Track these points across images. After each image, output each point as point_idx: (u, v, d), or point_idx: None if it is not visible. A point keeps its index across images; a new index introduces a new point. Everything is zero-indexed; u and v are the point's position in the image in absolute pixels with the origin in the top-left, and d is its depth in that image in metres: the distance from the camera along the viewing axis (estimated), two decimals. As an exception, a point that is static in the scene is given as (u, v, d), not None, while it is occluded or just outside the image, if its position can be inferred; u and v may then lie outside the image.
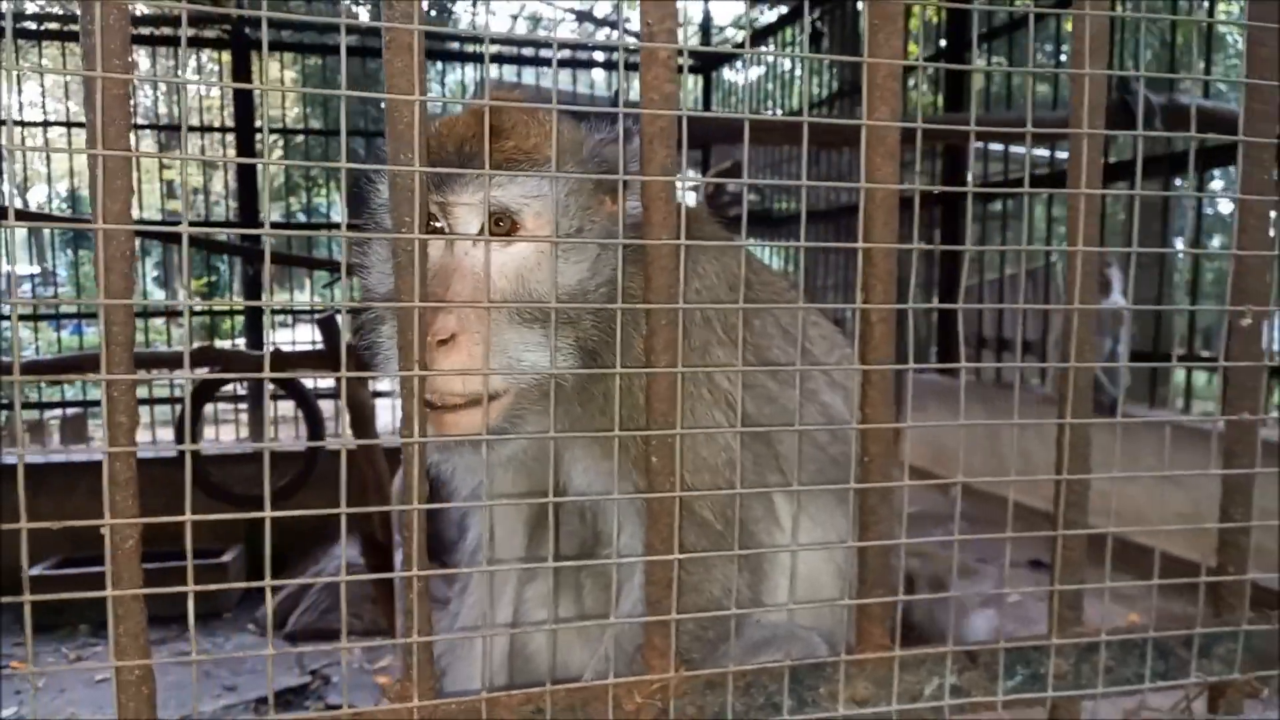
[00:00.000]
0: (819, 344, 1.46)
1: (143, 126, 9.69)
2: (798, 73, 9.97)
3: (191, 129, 9.31)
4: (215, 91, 8.92)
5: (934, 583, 2.20)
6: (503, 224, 1.18)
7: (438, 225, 1.18)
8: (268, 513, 0.92)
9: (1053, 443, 1.17)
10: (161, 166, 10.43)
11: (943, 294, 7.03)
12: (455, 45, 9.44)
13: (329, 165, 0.91)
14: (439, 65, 10.53)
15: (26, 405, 8.21)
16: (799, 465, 1.23)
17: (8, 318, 9.00)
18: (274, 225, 8.61)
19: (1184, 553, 3.37)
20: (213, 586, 1.20)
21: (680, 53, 1.00)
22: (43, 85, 8.98)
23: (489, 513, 1.37)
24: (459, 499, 1.42)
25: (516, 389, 1.17)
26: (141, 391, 8.79)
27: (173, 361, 6.80)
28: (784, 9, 9.76)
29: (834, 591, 1.30)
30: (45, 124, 9.24)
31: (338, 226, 0.90)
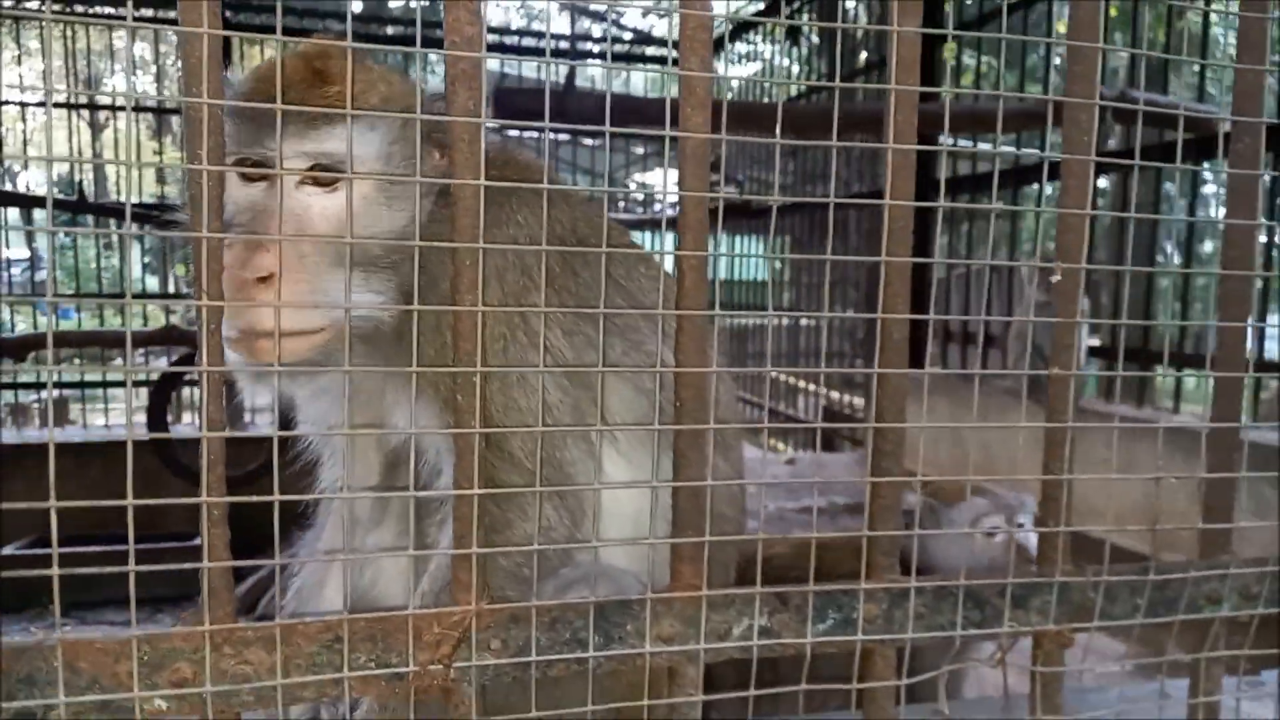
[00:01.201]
0: (651, 295, 1.48)
1: (142, 110, 9.70)
2: (788, 65, 10.00)
3: (175, 111, 9.34)
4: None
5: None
6: (327, 173, 1.21)
7: (261, 171, 1.21)
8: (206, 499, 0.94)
9: (1012, 433, 1.22)
10: (151, 152, 10.41)
11: (914, 289, 7.06)
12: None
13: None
14: (430, 58, 10.55)
15: (6, 386, 8.23)
16: (624, 413, 1.26)
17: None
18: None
19: (1134, 545, 3.41)
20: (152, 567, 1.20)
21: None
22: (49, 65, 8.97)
23: (342, 450, 1.41)
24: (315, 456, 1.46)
25: (335, 328, 1.20)
26: (114, 375, 8.80)
27: (142, 343, 6.83)
28: (763, 3, 9.77)
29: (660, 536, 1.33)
30: (47, 106, 9.21)
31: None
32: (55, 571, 0.94)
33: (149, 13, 8.42)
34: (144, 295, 8.97)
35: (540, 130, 1.05)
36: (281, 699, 1.03)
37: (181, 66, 0.96)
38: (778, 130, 1.24)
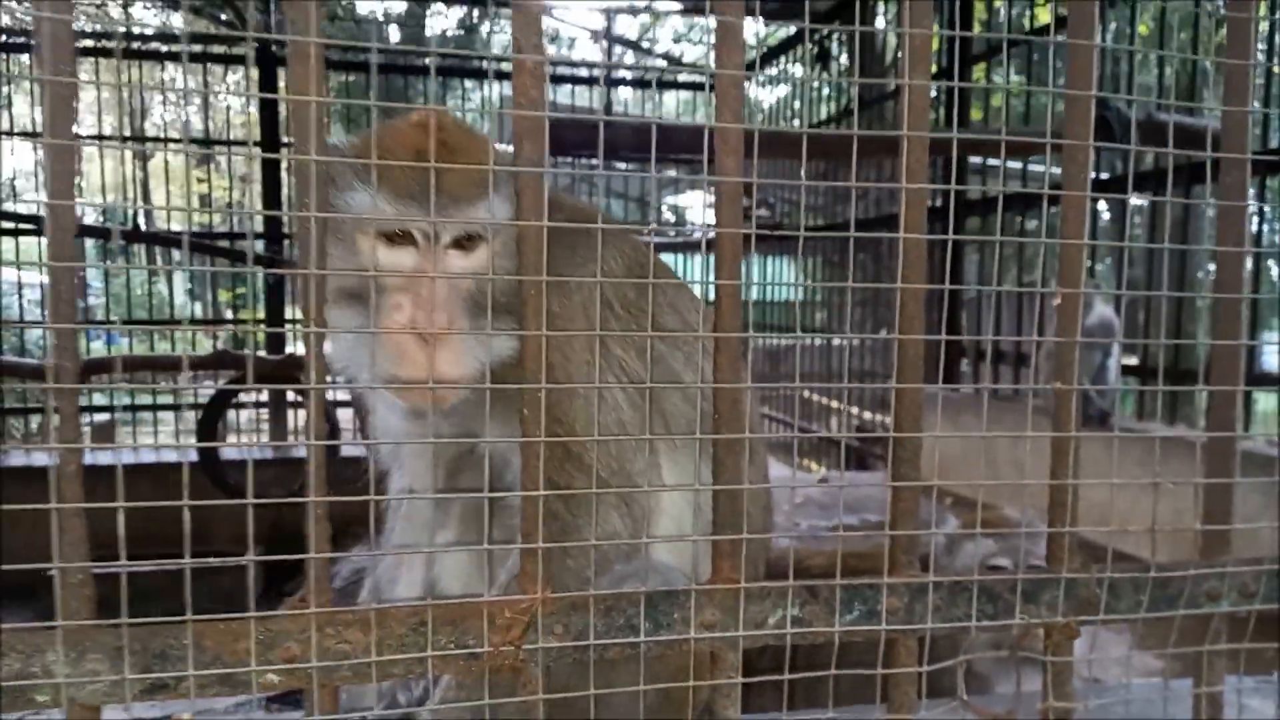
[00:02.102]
0: (693, 316, 1.65)
1: (177, 141, 10.10)
2: (822, 90, 10.16)
3: (222, 143, 9.71)
4: (248, 107, 9.26)
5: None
6: (469, 239, 1.38)
7: (411, 236, 1.37)
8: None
9: (1044, 453, 1.36)
10: (196, 180, 10.79)
11: (949, 309, 7.18)
12: (482, 64, 9.76)
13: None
14: (466, 83, 10.85)
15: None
16: (677, 421, 1.42)
17: (38, 324, 9.37)
18: (287, 237, 8.92)
19: (1135, 550, 3.48)
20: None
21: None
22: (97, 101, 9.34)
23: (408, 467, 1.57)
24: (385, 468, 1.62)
25: (479, 370, 1.38)
26: (165, 397, 9.12)
27: (194, 366, 7.09)
28: (794, 28, 9.95)
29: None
30: (83, 138, 9.60)
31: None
32: (187, 563, 1.10)
33: (198, 48, 8.79)
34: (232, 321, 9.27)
35: (581, 158, 1.21)
36: (375, 675, 1.18)
37: (293, 129, 1.13)
38: (803, 159, 1.39)
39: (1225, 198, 1.43)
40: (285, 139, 8.81)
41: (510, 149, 1.20)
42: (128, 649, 1.11)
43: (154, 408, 8.62)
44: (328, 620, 1.16)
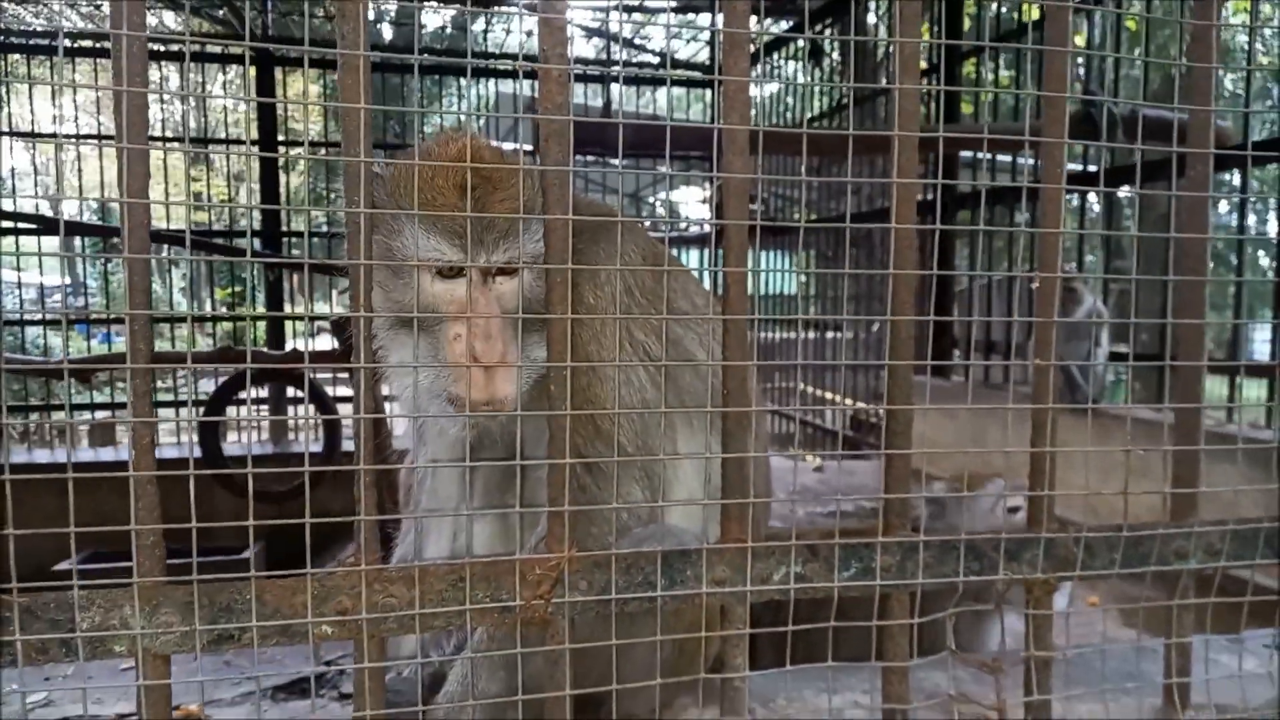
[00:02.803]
0: (702, 301, 1.79)
1: (172, 139, 10.18)
2: (811, 85, 10.27)
3: (218, 141, 9.79)
4: (242, 106, 9.35)
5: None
6: (510, 265, 1.51)
7: (461, 266, 1.49)
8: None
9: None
10: (189, 179, 10.86)
11: (938, 299, 7.34)
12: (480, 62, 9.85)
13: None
14: (460, 80, 10.93)
15: (57, 408, 8.63)
16: (692, 399, 1.55)
17: (37, 323, 9.46)
18: (290, 235, 9.02)
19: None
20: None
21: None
22: (78, 100, 9.41)
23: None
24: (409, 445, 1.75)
25: (526, 381, 1.52)
26: (166, 395, 9.21)
27: (196, 362, 7.16)
28: (789, 22, 10.06)
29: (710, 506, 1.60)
30: (78, 138, 9.67)
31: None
32: (250, 524, 1.22)
33: (195, 47, 8.87)
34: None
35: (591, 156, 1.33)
36: (418, 625, 1.30)
37: (342, 133, 1.25)
38: (804, 155, 1.51)
39: (1190, 189, 1.56)
40: (280, 138, 8.91)
41: (512, 147, 1.31)
42: (197, 603, 1.23)
43: (156, 405, 8.69)
44: (376, 577, 1.29)
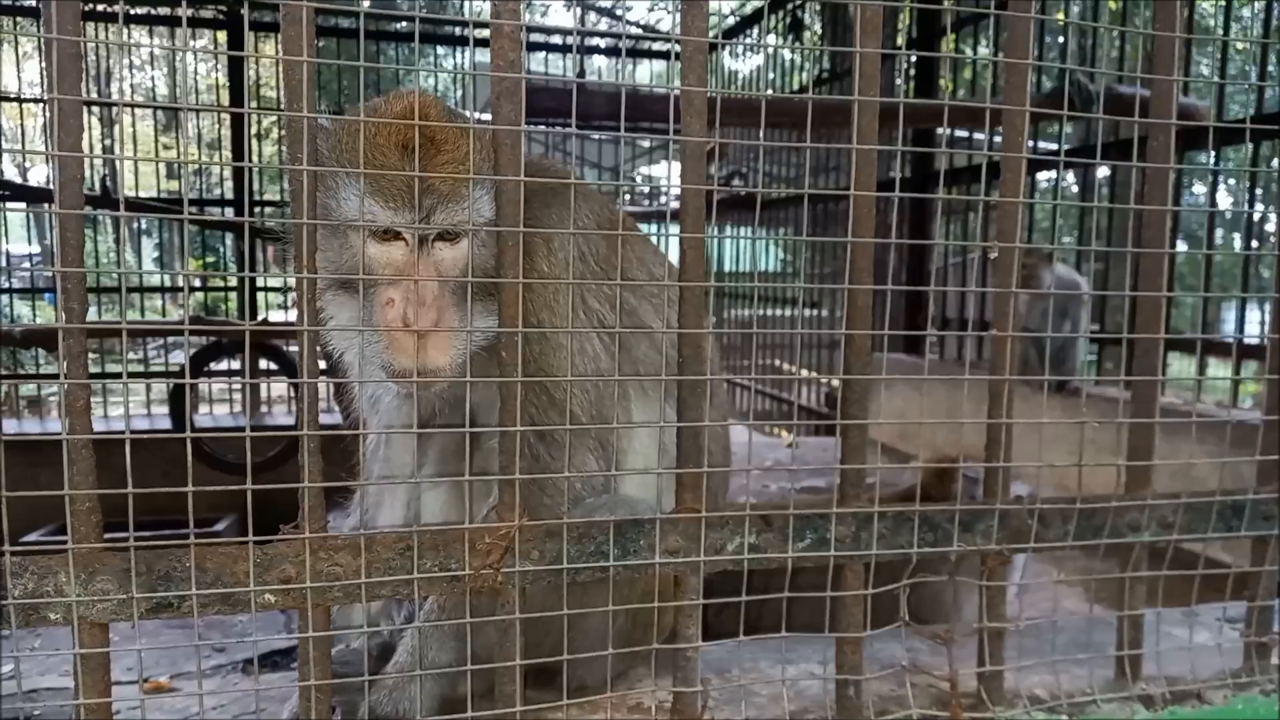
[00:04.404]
0: (660, 270, 1.76)
1: (143, 105, 9.96)
2: (793, 59, 10.21)
3: (191, 109, 9.56)
4: (214, 74, 9.17)
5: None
6: (456, 232, 1.45)
7: (399, 234, 1.43)
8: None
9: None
10: (162, 147, 10.67)
11: (910, 278, 7.35)
12: (454, 30, 9.72)
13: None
14: (437, 50, 10.78)
15: (27, 377, 8.49)
16: (646, 369, 1.53)
17: (5, 291, 9.30)
18: (257, 204, 8.89)
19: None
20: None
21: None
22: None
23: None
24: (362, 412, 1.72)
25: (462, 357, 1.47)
26: (137, 366, 9.10)
27: (165, 333, 7.08)
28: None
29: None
30: (89, 103, 9.42)
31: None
32: (189, 489, 1.19)
33: (165, 11, 8.68)
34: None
35: (554, 126, 1.29)
36: (364, 595, 1.28)
37: (284, 87, 1.21)
38: (764, 127, 1.48)
39: (1151, 160, 1.55)
40: (250, 105, 8.73)
41: (481, 115, 1.27)
42: (134, 570, 1.20)
43: (123, 377, 8.58)
44: (320, 544, 1.26)
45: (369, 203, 1.41)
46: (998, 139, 1.48)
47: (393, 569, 1.29)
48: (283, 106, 1.22)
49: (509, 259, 1.30)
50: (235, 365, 8.36)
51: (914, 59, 7.40)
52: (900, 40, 8.12)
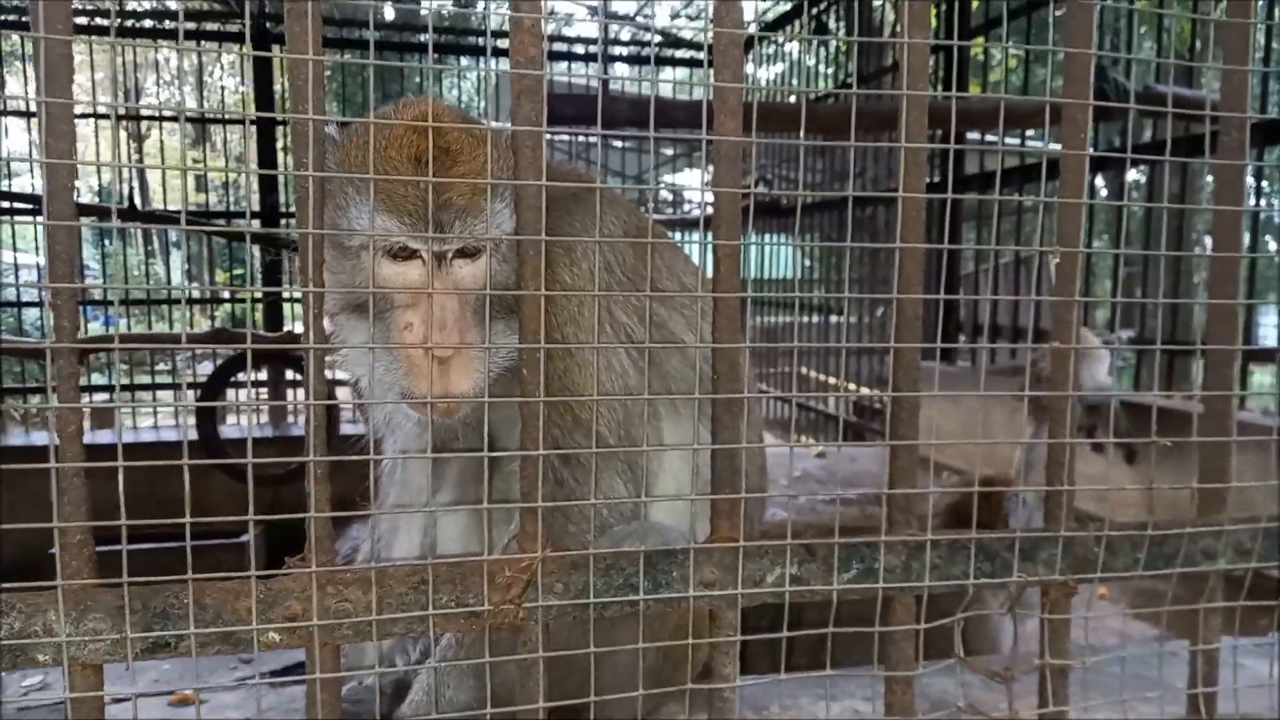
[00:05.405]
0: (692, 280, 1.65)
1: (170, 118, 10.02)
2: (816, 65, 10.10)
3: (218, 121, 9.63)
4: (242, 87, 9.20)
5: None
6: (476, 249, 1.36)
7: (414, 248, 1.34)
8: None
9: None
10: (191, 160, 10.74)
11: (946, 283, 7.21)
12: (478, 40, 9.70)
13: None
14: (460, 60, 10.78)
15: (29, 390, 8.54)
16: (680, 385, 1.43)
17: (40, 304, 9.36)
18: (290, 215, 8.88)
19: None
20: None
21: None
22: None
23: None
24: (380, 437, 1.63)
25: (485, 373, 1.38)
26: (164, 377, 9.13)
27: (192, 343, 7.06)
28: (789, 4, 9.88)
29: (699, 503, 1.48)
30: (94, 116, 9.50)
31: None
32: (187, 521, 1.11)
33: (191, 26, 8.72)
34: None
35: (579, 134, 1.20)
36: (376, 633, 1.19)
37: (289, 88, 1.12)
38: (802, 129, 1.38)
39: (1223, 158, 1.43)
40: (280, 117, 8.75)
41: (500, 125, 1.18)
42: (128, 608, 1.11)
43: (153, 387, 8.61)
44: (328, 579, 1.17)
45: (381, 219, 1.31)
46: (1033, 143, 1.36)
47: (406, 604, 1.20)
48: (288, 110, 1.13)
49: (530, 269, 1.20)
50: (263, 376, 8.39)
51: (942, 62, 7.26)
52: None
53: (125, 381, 8.68)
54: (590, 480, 1.40)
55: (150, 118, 9.92)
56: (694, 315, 1.59)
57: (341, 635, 1.18)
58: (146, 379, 8.83)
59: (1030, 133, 6.66)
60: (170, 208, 9.42)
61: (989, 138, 7.24)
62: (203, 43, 8.72)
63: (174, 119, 9.70)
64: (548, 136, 1.22)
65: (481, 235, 1.35)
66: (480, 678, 1.28)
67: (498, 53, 9.44)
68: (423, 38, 11.11)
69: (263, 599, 1.15)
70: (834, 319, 9.86)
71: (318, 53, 1.11)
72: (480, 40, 9.59)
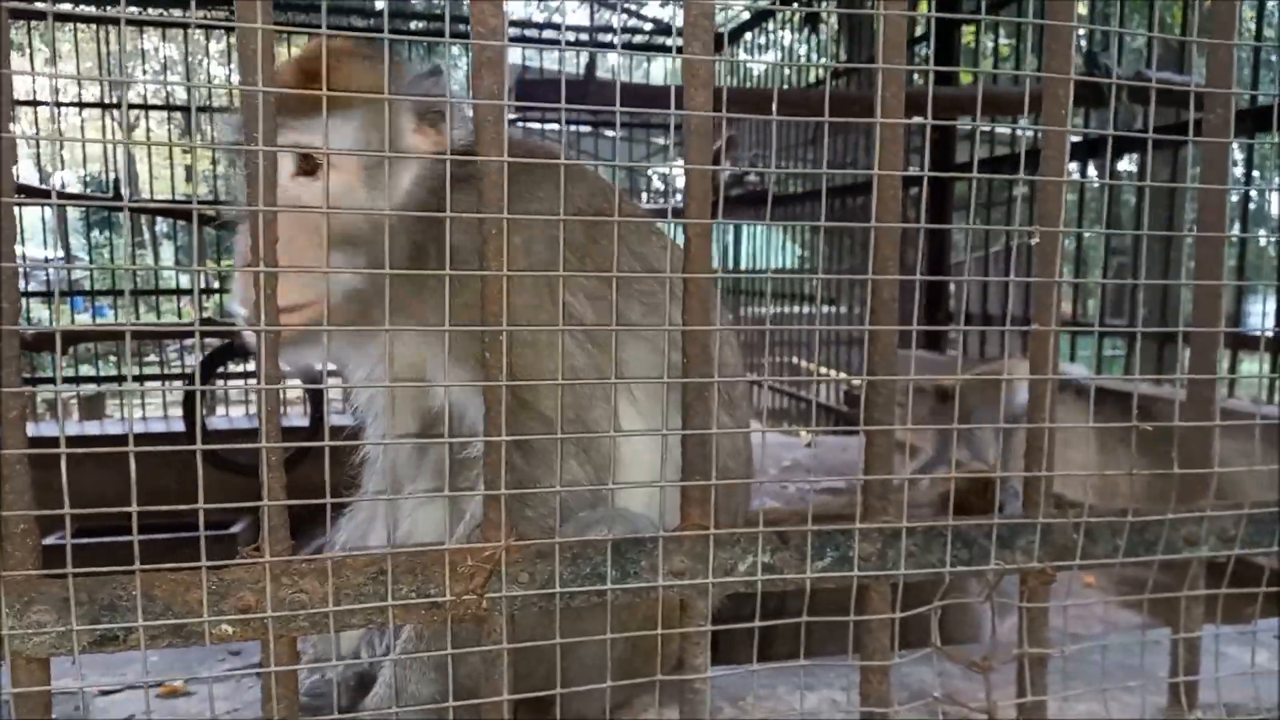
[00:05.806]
0: (662, 262, 1.58)
1: (157, 108, 9.92)
2: (806, 53, 10.03)
3: (202, 109, 9.52)
4: (224, 75, 9.09)
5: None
6: (309, 162, 1.33)
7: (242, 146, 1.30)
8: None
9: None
10: (181, 152, 10.62)
11: (931, 271, 7.16)
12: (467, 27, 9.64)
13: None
14: (452, 51, 10.70)
15: (42, 380, 8.46)
16: (641, 372, 1.38)
17: (33, 295, 9.28)
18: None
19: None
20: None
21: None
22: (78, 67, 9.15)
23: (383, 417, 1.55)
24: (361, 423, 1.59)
25: (323, 302, 1.35)
26: (152, 368, 9.04)
27: (177, 335, 7.01)
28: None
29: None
30: (79, 105, 9.39)
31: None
32: (134, 509, 1.07)
33: (178, 14, 8.63)
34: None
35: (561, 120, 1.15)
36: (333, 624, 1.15)
37: (239, 59, 1.08)
38: (774, 106, 1.33)
39: (1209, 134, 1.39)
40: (230, 87, 8.63)
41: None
42: (74, 600, 1.07)
43: (140, 379, 8.52)
44: (283, 569, 1.13)
45: (232, 124, 1.31)
46: (1023, 131, 1.33)
47: (364, 595, 1.16)
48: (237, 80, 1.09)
49: (492, 249, 1.16)
50: (251, 367, 8.32)
51: (935, 49, 7.21)
52: (918, 30, 7.94)
53: (109, 373, 8.62)
54: (543, 465, 1.36)
55: (137, 107, 9.81)
56: (659, 301, 1.52)
57: (297, 627, 1.15)
58: (135, 370, 8.72)
59: (1023, 120, 6.62)
60: (158, 197, 9.33)
61: (976, 124, 7.20)
62: (188, 19, 8.64)
63: (162, 108, 9.61)
64: (510, 104, 1.18)
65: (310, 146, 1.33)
66: (443, 671, 1.24)
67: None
68: (415, 25, 11.02)
69: (214, 590, 1.11)
70: (827, 309, 9.83)
71: (267, 22, 1.07)
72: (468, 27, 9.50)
